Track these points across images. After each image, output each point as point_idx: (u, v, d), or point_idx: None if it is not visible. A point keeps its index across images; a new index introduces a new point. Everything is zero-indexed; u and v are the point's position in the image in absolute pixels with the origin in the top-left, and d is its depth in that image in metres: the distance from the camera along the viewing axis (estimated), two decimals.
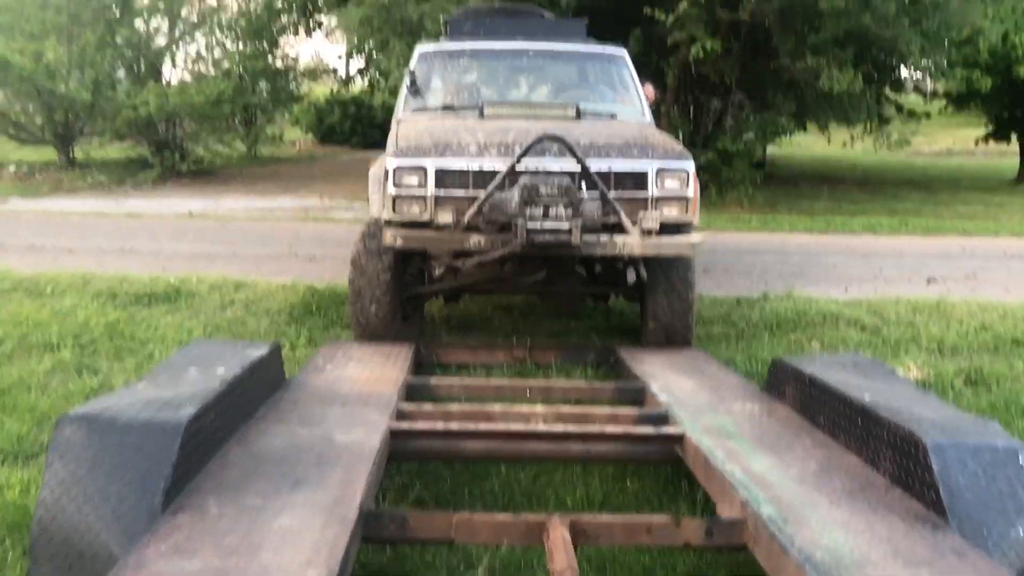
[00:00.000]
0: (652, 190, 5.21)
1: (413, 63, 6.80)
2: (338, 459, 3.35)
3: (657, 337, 5.76)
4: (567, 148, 4.95)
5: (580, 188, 4.99)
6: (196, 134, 18.67)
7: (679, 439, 3.95)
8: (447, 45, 7.09)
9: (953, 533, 2.84)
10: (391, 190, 5.16)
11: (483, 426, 3.94)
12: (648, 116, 6.53)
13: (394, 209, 5.15)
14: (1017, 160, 22.36)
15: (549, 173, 4.97)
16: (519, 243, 4.81)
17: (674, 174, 5.25)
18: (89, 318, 6.49)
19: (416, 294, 6.03)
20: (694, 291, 5.75)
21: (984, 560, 2.71)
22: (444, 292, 6.23)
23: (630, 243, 5.04)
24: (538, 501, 4.19)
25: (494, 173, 5.00)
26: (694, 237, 5.27)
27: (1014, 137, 22.12)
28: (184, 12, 20.00)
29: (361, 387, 4.44)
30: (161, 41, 20.08)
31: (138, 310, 6.84)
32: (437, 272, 5.83)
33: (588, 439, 3.98)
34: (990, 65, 17.93)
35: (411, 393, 4.67)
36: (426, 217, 5.10)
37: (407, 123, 6.04)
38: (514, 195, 4.86)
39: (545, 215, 4.80)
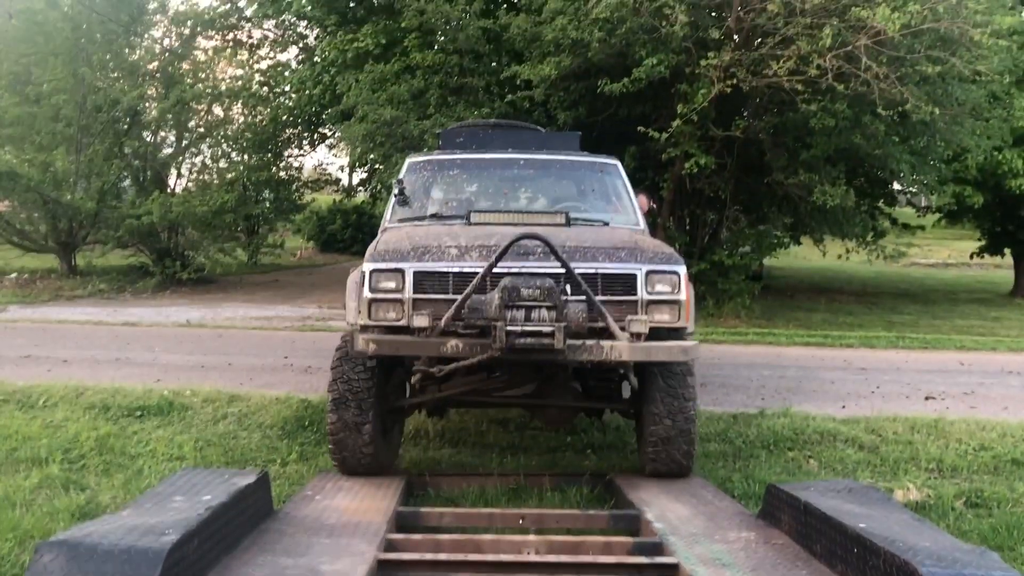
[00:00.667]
0: (642, 293, 4.98)
1: (403, 172, 6.75)
2: None
3: (656, 466, 5.46)
4: (548, 247, 4.75)
5: (564, 291, 4.77)
6: (198, 243, 18.89)
7: (674, 569, 3.87)
8: (437, 155, 6.97)
9: None
10: (367, 294, 4.97)
11: (473, 556, 3.86)
12: (642, 224, 6.40)
13: (370, 314, 4.95)
14: (1012, 273, 22.56)
15: (532, 275, 4.76)
16: (498, 347, 4.55)
17: (664, 277, 5.04)
18: (80, 432, 6.43)
19: (396, 407, 5.78)
20: (695, 407, 5.44)
21: None
22: (427, 405, 5.96)
23: (618, 348, 4.74)
24: None
25: (474, 275, 4.78)
26: (687, 343, 5.00)
27: (1008, 251, 22.35)
28: (192, 124, 20.51)
29: (349, 517, 4.37)
30: (168, 151, 20.54)
31: (130, 423, 6.79)
32: (415, 382, 5.45)
33: (580, 570, 3.89)
34: (979, 181, 18.28)
35: (401, 523, 4.60)
36: (403, 322, 4.88)
37: (391, 231, 5.97)
38: (494, 297, 4.63)
39: (527, 318, 4.56)
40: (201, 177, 20.52)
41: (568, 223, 5.88)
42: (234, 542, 3.68)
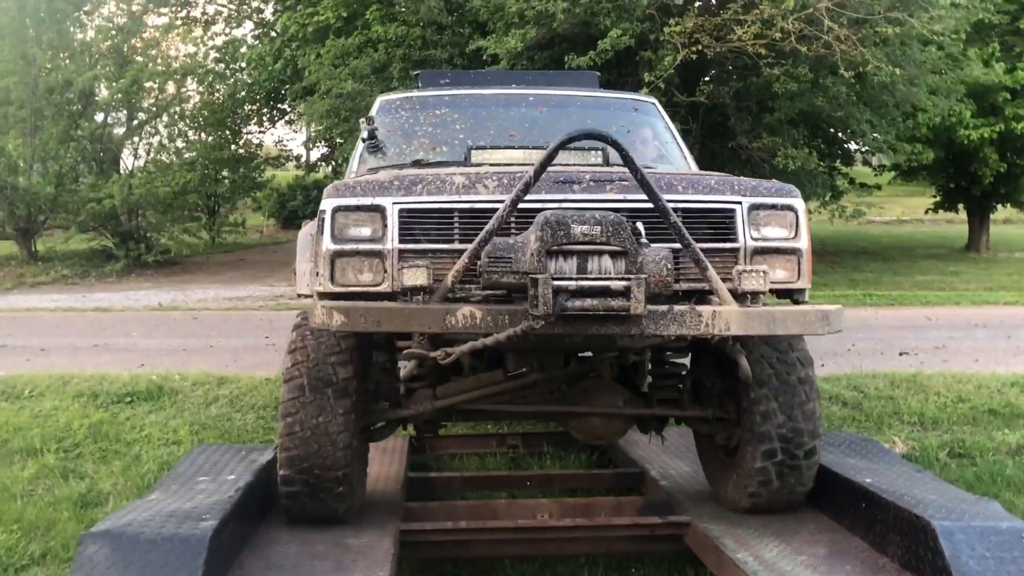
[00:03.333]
0: (744, 238, 3.54)
1: (373, 111, 5.25)
2: (355, 565, 3.35)
3: (759, 501, 3.97)
4: (621, 155, 3.20)
5: (637, 230, 3.23)
6: (160, 224, 18.64)
7: (686, 527, 4.00)
8: (420, 92, 5.50)
9: None
10: (329, 244, 3.43)
11: (491, 524, 3.96)
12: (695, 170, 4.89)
13: (333, 275, 3.43)
14: (966, 228, 23.09)
15: (583, 209, 3.35)
16: (541, 313, 2.99)
17: (776, 214, 3.60)
18: (71, 420, 6.39)
19: (374, 424, 4.09)
20: (819, 413, 3.96)
21: None
22: (417, 419, 4.24)
23: (725, 316, 3.18)
24: None
25: (492, 212, 3.28)
26: (827, 306, 3.40)
27: (961, 206, 22.86)
28: (146, 104, 20.15)
29: None
30: (120, 131, 20.19)
31: (121, 409, 6.74)
32: (405, 376, 3.83)
33: (596, 530, 4.01)
34: (931, 139, 18.64)
35: (413, 489, 4.67)
36: (385, 286, 3.40)
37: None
38: (529, 240, 3.13)
39: (582, 269, 3.10)
40: (159, 157, 20.22)
41: (607, 163, 4.27)
42: (260, 519, 3.74)
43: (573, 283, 3.03)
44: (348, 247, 3.43)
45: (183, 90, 20.55)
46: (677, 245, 3.32)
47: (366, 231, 3.44)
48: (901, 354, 8.42)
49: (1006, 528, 3.19)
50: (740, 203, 3.57)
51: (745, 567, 3.43)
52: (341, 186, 3.58)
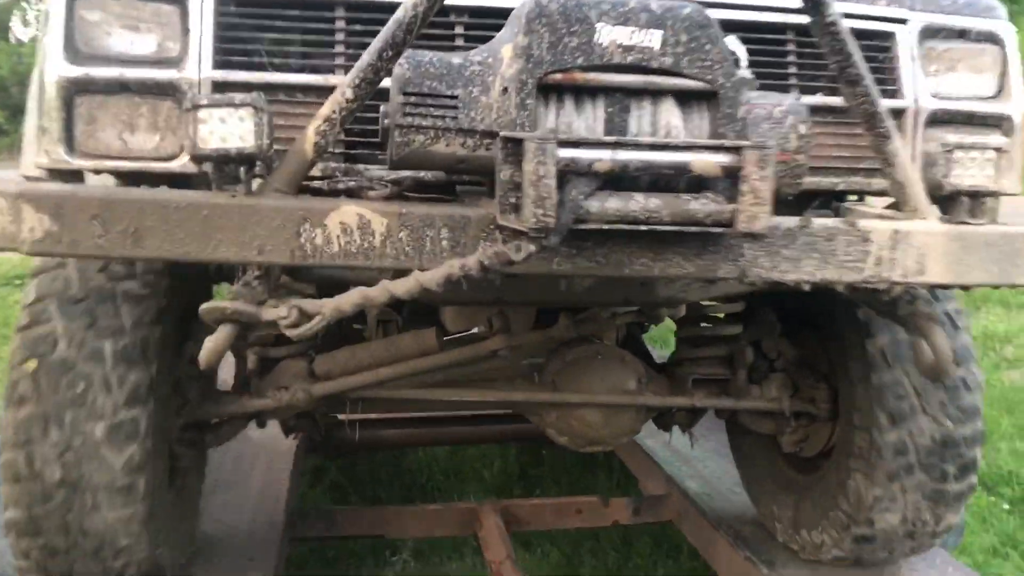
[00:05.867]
0: (911, 91, 2.09)
1: None
2: (256, 458, 3.25)
3: (882, 539, 2.47)
4: None
5: (733, 53, 1.68)
6: None
7: None
8: None
9: None
10: (61, 67, 1.79)
11: (401, 414, 3.88)
12: None
13: (71, 133, 1.82)
14: None
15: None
16: (534, 224, 1.38)
17: (968, 48, 2.13)
18: None
19: (197, 421, 2.41)
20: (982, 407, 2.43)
21: None
22: (281, 413, 2.56)
23: (919, 245, 1.63)
24: (456, 477, 4.20)
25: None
26: None
27: None
28: None
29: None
30: None
31: (9, 292, 6.46)
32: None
33: (503, 419, 3.98)
34: None
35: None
36: (184, 162, 1.79)
37: None
38: (500, 58, 1.55)
39: (619, 130, 1.55)
40: None
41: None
42: None
43: (607, 155, 1.41)
44: (103, 73, 1.78)
45: None
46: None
47: (145, 41, 1.80)
48: None
49: None
50: (904, 23, 2.08)
51: (654, 455, 3.46)
52: None
